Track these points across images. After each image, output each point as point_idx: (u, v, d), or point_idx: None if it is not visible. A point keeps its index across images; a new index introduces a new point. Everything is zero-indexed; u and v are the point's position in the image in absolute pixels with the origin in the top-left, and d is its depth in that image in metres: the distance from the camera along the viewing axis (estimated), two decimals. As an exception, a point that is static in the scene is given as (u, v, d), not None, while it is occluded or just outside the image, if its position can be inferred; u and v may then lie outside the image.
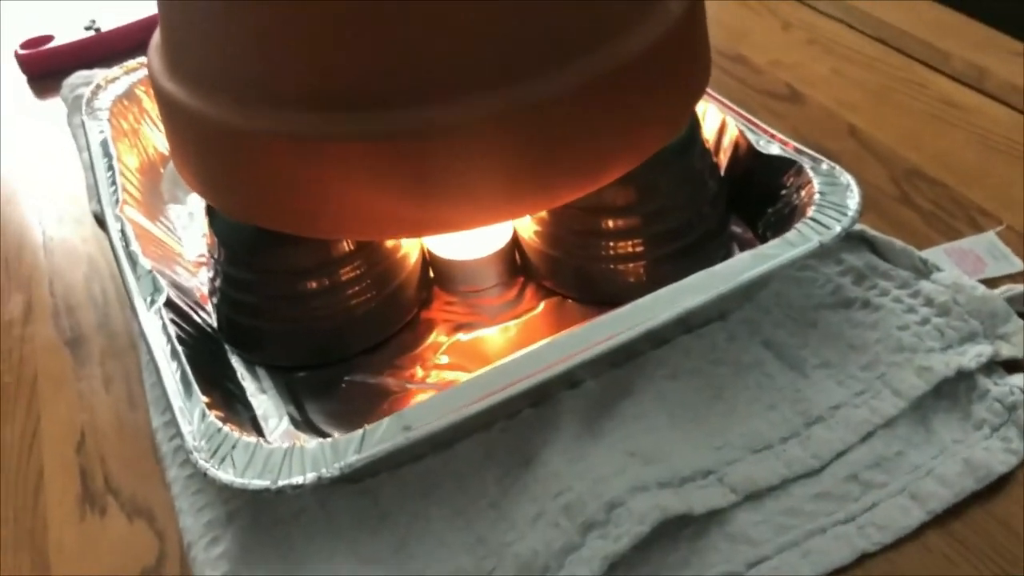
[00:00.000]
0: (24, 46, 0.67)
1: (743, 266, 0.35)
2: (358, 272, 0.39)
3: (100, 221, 0.51)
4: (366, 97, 0.32)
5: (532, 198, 0.35)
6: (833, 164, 0.39)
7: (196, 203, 0.50)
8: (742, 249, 0.42)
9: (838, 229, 0.36)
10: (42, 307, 0.46)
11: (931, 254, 0.40)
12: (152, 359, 0.36)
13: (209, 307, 0.42)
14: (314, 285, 0.38)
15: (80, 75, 0.62)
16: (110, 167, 0.47)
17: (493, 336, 0.40)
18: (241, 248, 0.39)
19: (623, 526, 0.30)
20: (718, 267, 0.35)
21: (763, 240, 0.42)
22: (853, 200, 0.37)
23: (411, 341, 0.40)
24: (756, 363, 0.36)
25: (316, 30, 0.32)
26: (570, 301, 0.41)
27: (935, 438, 0.33)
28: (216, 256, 0.40)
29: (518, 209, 0.35)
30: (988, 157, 0.46)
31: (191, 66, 0.36)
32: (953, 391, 0.34)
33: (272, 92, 0.33)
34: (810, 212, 0.37)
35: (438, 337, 0.40)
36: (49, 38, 0.67)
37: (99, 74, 0.62)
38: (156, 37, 0.40)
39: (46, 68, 0.67)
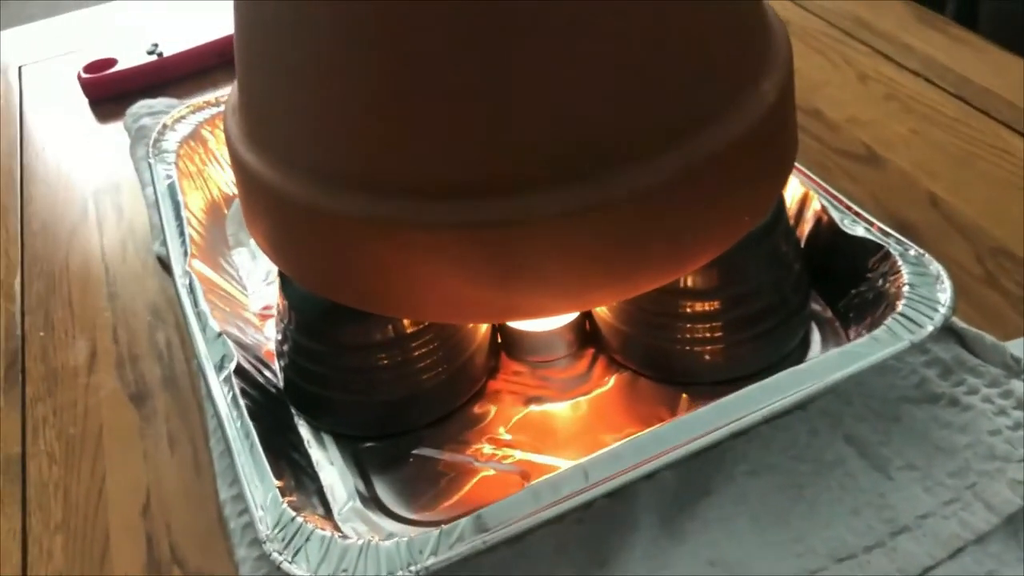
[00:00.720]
0: (87, 70, 0.67)
1: (832, 365, 0.34)
2: (430, 347, 0.38)
3: (164, 264, 0.51)
4: (459, 186, 0.31)
5: (617, 287, 0.34)
6: (922, 252, 0.38)
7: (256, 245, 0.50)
8: (820, 329, 0.41)
9: (929, 328, 0.35)
10: (106, 356, 0.46)
11: (1021, 345, 0.39)
12: (223, 433, 0.35)
13: (275, 365, 0.42)
14: (385, 361, 0.38)
15: (143, 105, 0.62)
16: (178, 216, 0.46)
17: (563, 412, 0.39)
18: (313, 319, 0.38)
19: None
20: (806, 366, 0.34)
21: (844, 320, 0.41)
22: (945, 295, 0.36)
23: (479, 413, 0.40)
24: (838, 461, 0.35)
25: (411, 118, 0.31)
26: (643, 378, 0.40)
27: (1030, 558, 0.32)
28: (286, 320, 0.40)
29: (602, 298, 0.34)
30: (1079, 238, 0.44)
31: (273, 139, 0.35)
32: (1048, 506, 0.33)
33: (360, 176, 0.33)
34: (899, 306, 0.36)
35: (507, 410, 0.40)
36: (112, 62, 0.67)
37: (161, 103, 0.63)
38: (233, 99, 0.39)
39: (109, 92, 0.67)
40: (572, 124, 0.31)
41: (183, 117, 0.53)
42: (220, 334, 0.39)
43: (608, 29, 0.30)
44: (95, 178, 0.59)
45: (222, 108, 0.54)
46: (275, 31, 0.33)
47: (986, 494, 0.33)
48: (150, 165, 0.50)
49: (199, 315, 0.40)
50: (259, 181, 0.36)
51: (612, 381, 0.40)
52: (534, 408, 0.40)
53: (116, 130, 0.63)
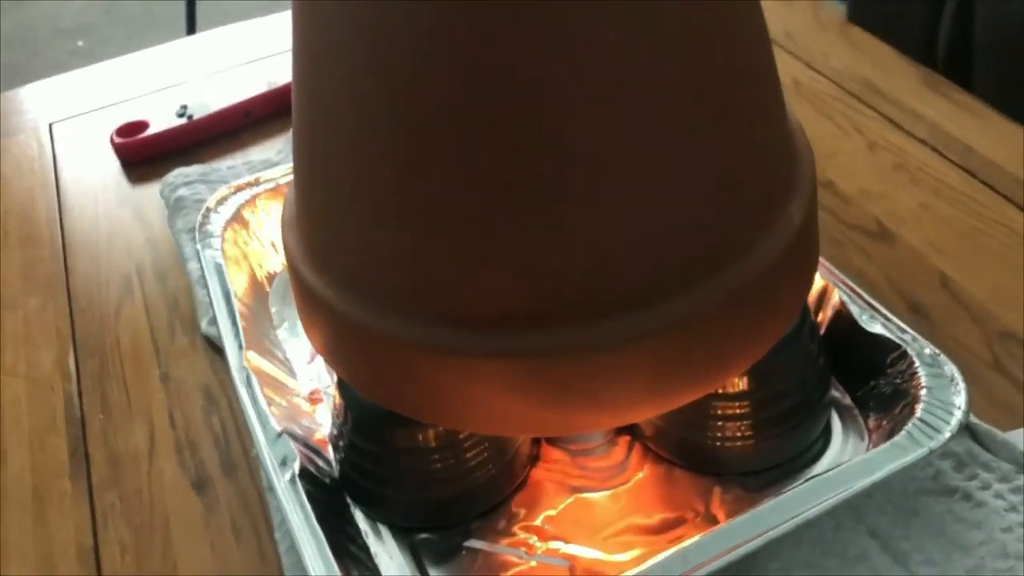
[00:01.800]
0: (120, 133, 0.69)
1: (856, 473, 0.37)
2: (479, 448, 0.41)
3: (213, 344, 0.53)
4: (511, 318, 0.34)
5: (659, 404, 0.37)
6: (937, 351, 0.41)
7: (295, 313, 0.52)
8: (840, 415, 0.44)
9: (947, 434, 0.37)
10: (165, 441, 0.48)
11: (1027, 435, 0.42)
12: (291, 534, 0.38)
13: (329, 454, 0.45)
14: (438, 463, 0.41)
15: (179, 174, 0.64)
16: (229, 305, 0.49)
17: (603, 502, 0.42)
18: (369, 422, 0.41)
19: None
20: (835, 473, 0.37)
21: (863, 407, 0.44)
22: (960, 398, 0.39)
23: (526, 503, 0.42)
24: (862, 555, 0.38)
25: (469, 257, 0.34)
26: (676, 468, 0.43)
27: (1041, 655, 0.35)
28: (341, 419, 0.42)
29: (645, 413, 0.37)
30: (1081, 323, 0.47)
31: (334, 263, 0.38)
32: (1057, 603, 0.36)
33: (417, 305, 0.35)
34: (918, 410, 0.39)
35: (551, 500, 0.42)
36: (143, 124, 0.70)
37: (196, 171, 0.65)
38: (289, 212, 0.42)
39: (141, 155, 0.69)
40: (618, 262, 0.34)
41: (225, 198, 0.55)
42: (281, 433, 0.42)
43: (655, 171, 0.33)
44: (135, 249, 0.61)
45: (261, 188, 0.56)
46: (336, 168, 0.36)
47: (1000, 593, 0.36)
48: (198, 252, 0.52)
49: (260, 414, 0.43)
50: (320, 298, 0.38)
51: (647, 470, 0.43)
52: (576, 497, 0.43)
53: (149, 195, 0.65)
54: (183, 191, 0.63)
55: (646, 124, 0.32)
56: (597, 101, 0.31)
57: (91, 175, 0.69)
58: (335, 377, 0.49)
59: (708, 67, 0.33)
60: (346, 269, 0.37)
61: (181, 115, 0.70)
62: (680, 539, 0.39)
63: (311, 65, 0.35)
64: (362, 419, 0.41)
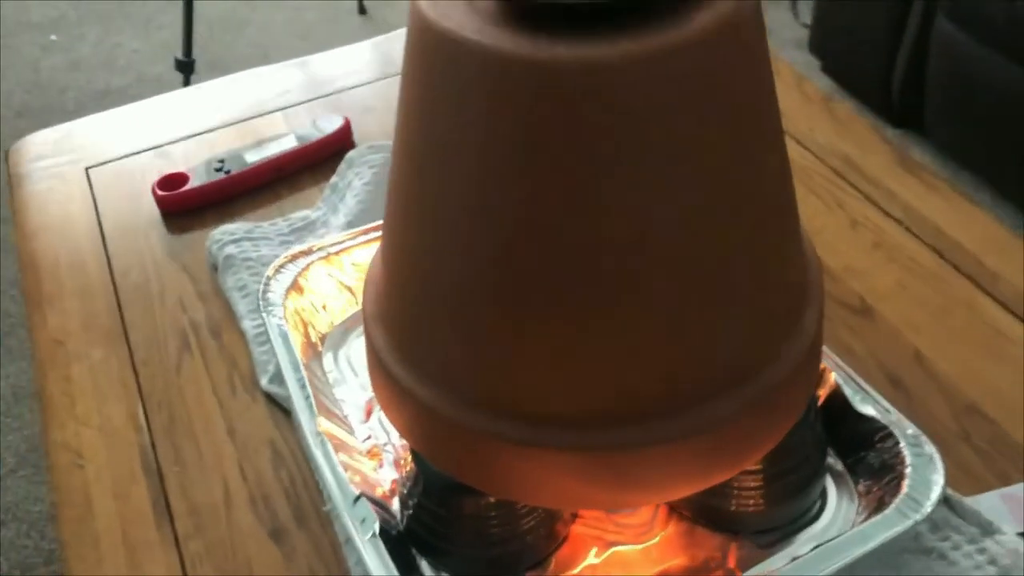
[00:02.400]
0: (161, 186, 0.74)
1: (856, 541, 0.44)
2: (534, 513, 0.48)
3: (273, 399, 0.59)
4: (581, 418, 0.41)
5: (698, 484, 0.44)
6: (919, 432, 0.48)
7: (355, 370, 0.58)
8: (835, 479, 0.52)
9: (928, 509, 0.45)
10: (239, 493, 0.54)
11: (989, 499, 0.50)
12: (378, 590, 0.45)
13: (393, 506, 0.51)
14: (496, 527, 0.47)
15: (224, 232, 0.70)
16: (298, 373, 0.55)
17: (637, 556, 0.49)
18: (440, 490, 0.47)
19: None
20: (838, 543, 0.44)
21: (853, 473, 0.52)
22: (938, 476, 0.47)
23: (570, 558, 0.49)
24: (857, 606, 0.46)
25: (551, 367, 0.40)
26: (698, 526, 0.50)
27: None
28: (411, 483, 0.49)
29: (685, 493, 0.44)
30: (1033, 399, 0.55)
31: (422, 358, 0.44)
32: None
33: (501, 404, 0.42)
34: (904, 487, 0.46)
35: (592, 554, 0.49)
36: (183, 177, 0.74)
37: (240, 229, 0.70)
38: (372, 308, 0.48)
39: (182, 207, 0.74)
40: (672, 375, 0.41)
41: (282, 267, 0.61)
42: (359, 497, 0.48)
43: (704, 305, 0.40)
44: (188, 304, 0.66)
45: (315, 257, 0.62)
46: (438, 286, 0.42)
47: (971, 642, 0.44)
48: (263, 317, 0.58)
49: (338, 479, 0.49)
50: (404, 387, 0.45)
51: (672, 527, 0.51)
52: (613, 550, 0.50)
53: (192, 247, 0.71)
54: (231, 249, 0.68)
55: (697, 273, 0.39)
56: (653, 258, 0.38)
57: (134, 225, 0.73)
58: (392, 436, 0.55)
59: (747, 224, 0.40)
60: (435, 366, 0.44)
61: (219, 170, 0.75)
62: (706, 591, 0.46)
63: (421, 201, 0.41)
64: (433, 485, 0.48)
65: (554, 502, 0.45)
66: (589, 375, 0.40)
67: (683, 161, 0.36)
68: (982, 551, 0.47)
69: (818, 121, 0.77)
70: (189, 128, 0.83)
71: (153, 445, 0.57)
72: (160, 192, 0.74)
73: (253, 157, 0.76)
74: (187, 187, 0.74)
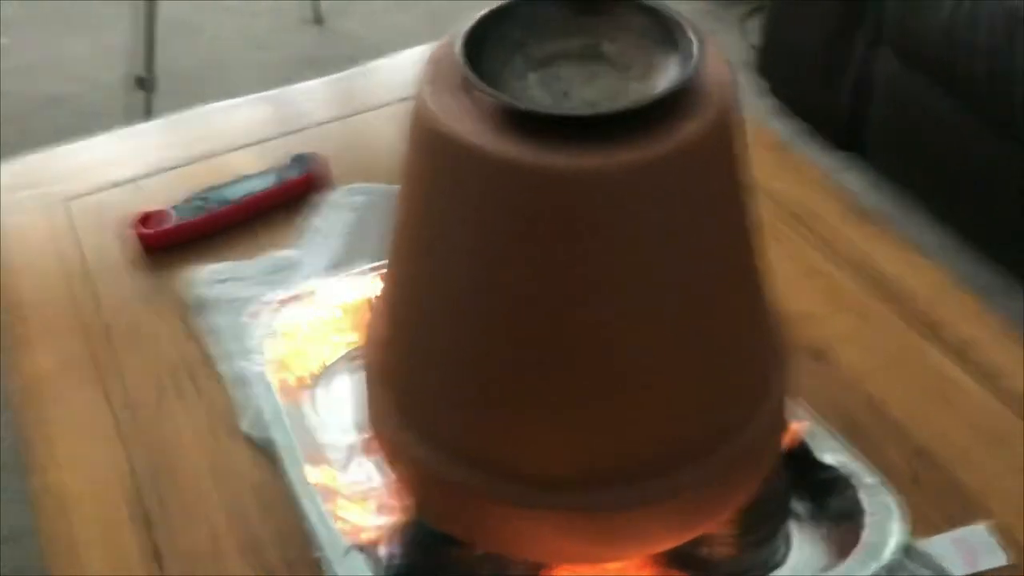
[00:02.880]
0: (143, 223, 0.75)
1: (823, 588, 0.48)
2: (523, 563, 0.50)
3: (255, 443, 0.61)
4: (572, 480, 0.44)
5: (676, 540, 0.47)
6: (879, 484, 0.52)
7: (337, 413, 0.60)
8: (799, 525, 0.55)
9: (887, 558, 0.49)
10: (228, 538, 0.56)
11: (940, 542, 0.54)
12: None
13: (378, 553, 0.53)
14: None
15: (211, 271, 0.71)
16: (283, 427, 0.56)
17: (615, 601, 0.52)
18: (431, 541, 0.50)
19: None
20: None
21: (815, 520, 0.55)
22: (895, 524, 0.51)
23: (554, 602, 0.52)
24: (822, 648, 0.49)
25: (543, 437, 0.43)
26: (673, 572, 0.53)
27: None
28: (403, 532, 0.51)
29: (667, 545, 0.47)
30: (977, 445, 0.59)
31: (424, 422, 0.46)
32: None
33: (497, 466, 0.44)
34: (864, 535, 0.50)
35: (572, 599, 0.52)
36: (164, 214, 0.75)
37: (227, 269, 0.71)
38: (377, 371, 0.49)
39: (163, 244, 0.74)
40: (652, 442, 0.44)
41: (262, 311, 0.63)
42: (349, 550, 0.50)
43: (682, 385, 0.43)
44: (168, 345, 0.67)
45: (294, 301, 0.64)
46: (438, 363, 0.44)
47: None
48: (242, 364, 0.60)
49: (328, 531, 0.51)
50: (404, 447, 0.47)
51: (647, 572, 0.53)
52: (593, 596, 0.52)
53: (173, 287, 0.71)
54: (212, 290, 0.69)
55: (680, 354, 0.42)
56: (641, 341, 0.41)
57: (115, 262, 0.74)
58: (376, 480, 0.57)
59: (726, 309, 0.43)
60: (434, 430, 0.46)
61: (200, 207, 0.76)
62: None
63: (424, 280, 0.43)
64: (424, 538, 0.50)
65: (547, 557, 0.48)
66: (584, 441, 0.43)
67: (668, 257, 0.39)
68: (935, 594, 0.51)
69: (776, 168, 0.80)
70: (165, 161, 0.84)
71: (138, 490, 0.59)
72: (143, 229, 0.74)
73: (232, 195, 0.77)
74: (168, 224, 0.75)
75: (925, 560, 0.52)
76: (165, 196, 0.79)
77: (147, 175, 0.83)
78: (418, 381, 0.46)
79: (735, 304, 0.43)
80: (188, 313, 0.69)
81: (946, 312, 0.67)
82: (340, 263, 0.70)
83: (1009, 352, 0.65)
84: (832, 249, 0.73)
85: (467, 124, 0.39)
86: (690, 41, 0.40)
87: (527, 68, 0.42)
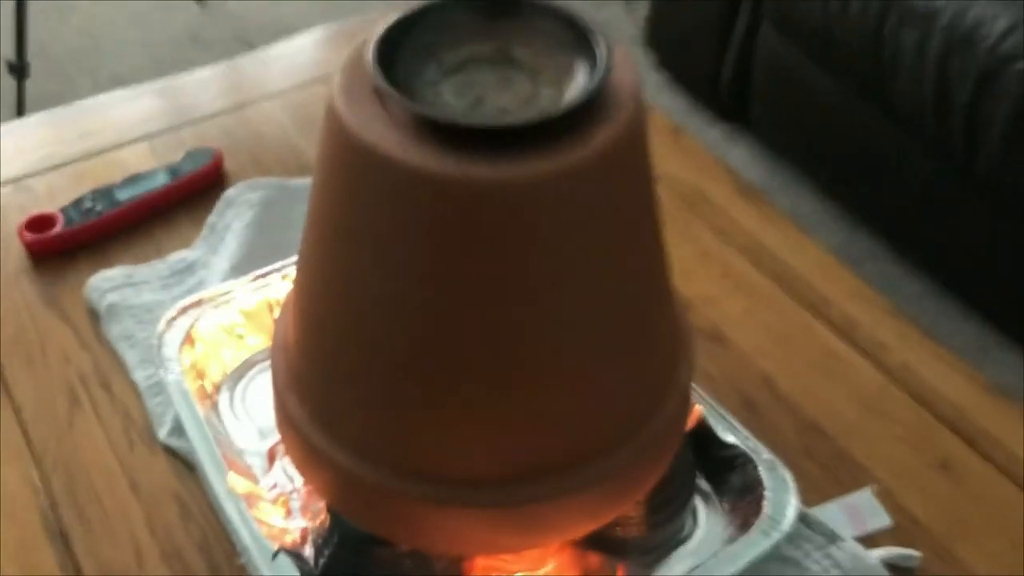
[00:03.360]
0: (29, 228, 0.72)
1: (728, 560, 0.51)
2: (446, 562, 0.52)
3: (173, 452, 0.60)
4: (489, 478, 0.45)
5: (593, 524, 0.49)
6: (775, 459, 0.56)
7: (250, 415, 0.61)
8: (704, 500, 0.58)
9: (786, 527, 0.53)
10: (151, 551, 0.56)
11: (830, 509, 0.58)
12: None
13: (305, 552, 0.54)
14: (410, 568, 0.51)
15: (103, 278, 0.70)
16: (204, 435, 0.56)
17: (538, 583, 0.55)
18: (354, 541, 0.51)
19: None
20: (716, 561, 0.51)
21: (719, 493, 0.59)
22: (791, 497, 0.54)
23: (476, 589, 0.54)
24: (729, 613, 0.53)
25: (455, 438, 0.44)
26: (591, 551, 0.56)
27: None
28: (328, 535, 0.52)
29: (582, 532, 0.50)
30: (863, 415, 0.64)
31: (339, 427, 0.47)
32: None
33: (412, 468, 0.45)
34: (764, 507, 0.54)
35: (497, 583, 0.54)
36: (52, 218, 0.73)
37: (119, 275, 0.70)
38: (288, 376, 0.50)
39: (52, 250, 0.73)
40: (563, 440, 0.46)
41: (174, 320, 0.62)
42: (276, 553, 0.51)
43: (592, 384, 0.45)
44: (71, 355, 0.66)
45: (204, 307, 0.63)
46: (352, 369, 0.45)
47: (822, 637, 0.52)
48: (161, 376, 0.59)
49: (253, 536, 0.52)
50: (320, 451, 0.48)
51: (567, 554, 0.56)
52: (518, 577, 0.55)
53: (69, 294, 0.70)
54: (112, 297, 0.68)
55: (588, 354, 0.44)
56: (551, 343, 0.43)
57: (5, 270, 0.71)
58: (297, 482, 0.58)
59: (633, 308, 0.45)
60: (351, 435, 0.47)
61: (89, 210, 0.74)
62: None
63: (336, 286, 0.44)
64: (348, 537, 0.51)
65: (467, 551, 0.50)
66: (498, 441, 0.45)
67: (581, 262, 0.41)
68: (828, 556, 0.55)
69: (669, 152, 0.83)
70: (50, 158, 0.81)
71: (54, 506, 0.58)
72: (29, 235, 0.72)
73: (124, 195, 0.75)
74: (57, 229, 0.73)
75: (818, 526, 0.56)
76: (52, 197, 0.77)
77: (32, 174, 0.80)
78: (332, 388, 0.47)
79: (645, 303, 0.46)
80: (89, 322, 0.68)
81: (830, 290, 0.72)
82: (240, 263, 0.70)
83: (890, 327, 0.69)
84: (724, 232, 0.76)
85: (382, 135, 0.39)
86: (599, 46, 0.41)
87: (440, 74, 0.42)
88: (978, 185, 1.25)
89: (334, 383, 0.47)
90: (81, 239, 0.73)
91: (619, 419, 0.47)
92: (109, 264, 0.72)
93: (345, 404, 0.47)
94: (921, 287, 1.48)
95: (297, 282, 0.48)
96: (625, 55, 0.43)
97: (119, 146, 0.83)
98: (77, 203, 0.74)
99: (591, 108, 0.40)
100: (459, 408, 0.44)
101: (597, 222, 0.41)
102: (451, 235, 0.40)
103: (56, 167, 0.80)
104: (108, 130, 0.84)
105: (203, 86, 0.91)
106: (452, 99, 0.42)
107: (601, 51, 0.41)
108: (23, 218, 0.74)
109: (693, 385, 0.59)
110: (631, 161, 0.42)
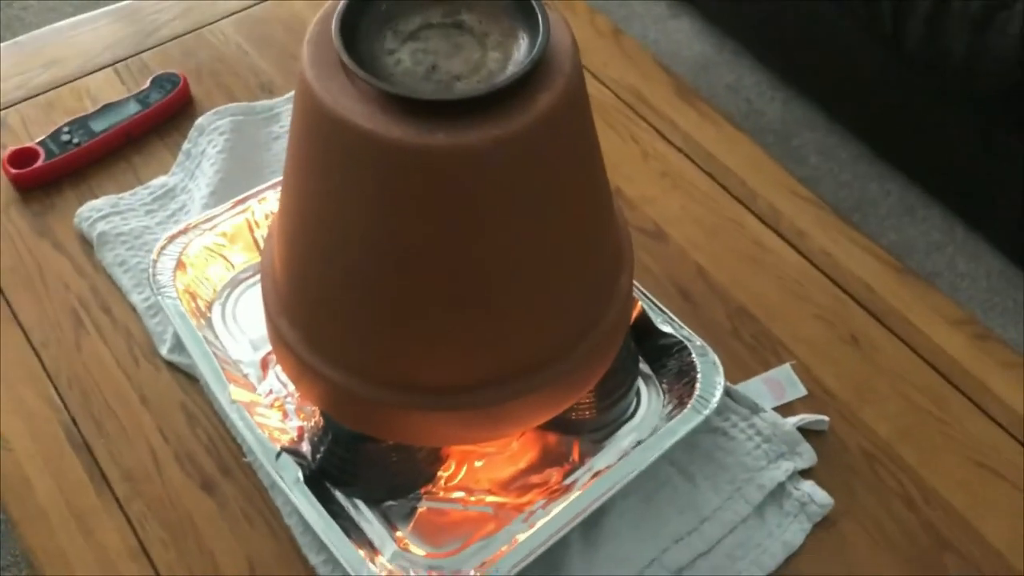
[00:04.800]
0: (12, 163, 0.77)
1: (667, 435, 0.60)
2: (425, 448, 0.60)
3: (177, 368, 0.68)
4: (459, 385, 0.53)
5: (551, 415, 0.58)
6: (705, 346, 0.64)
7: (241, 329, 0.68)
8: (645, 382, 0.67)
9: (715, 404, 0.62)
10: (165, 454, 0.63)
11: (754, 384, 0.67)
12: (310, 527, 0.57)
13: (303, 449, 0.62)
14: (396, 463, 0.60)
15: (90, 208, 0.75)
16: (205, 353, 0.63)
17: (504, 460, 0.63)
18: (346, 438, 0.59)
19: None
20: (654, 439, 0.60)
21: (658, 375, 0.67)
22: (720, 378, 0.63)
23: (454, 473, 0.63)
24: (668, 479, 0.62)
25: (428, 350, 0.52)
26: (548, 431, 0.65)
27: (766, 526, 0.61)
28: (322, 433, 0.60)
29: (541, 421, 0.58)
30: (785, 298, 0.72)
31: (327, 345, 0.54)
32: (776, 493, 0.62)
33: (392, 378, 0.53)
34: (697, 387, 0.62)
35: (467, 467, 0.63)
36: (33, 152, 0.77)
37: (106, 204, 0.75)
38: (279, 301, 0.56)
39: (35, 183, 0.77)
40: (517, 348, 0.53)
41: (165, 248, 0.68)
42: (280, 452, 0.59)
43: (545, 299, 0.52)
44: (71, 282, 0.72)
45: (192, 234, 0.69)
46: (339, 293, 0.52)
47: (746, 494, 0.62)
48: (159, 300, 0.65)
49: (258, 439, 0.60)
50: (313, 369, 0.55)
51: (527, 436, 0.65)
52: (484, 460, 0.63)
53: (59, 224, 0.75)
54: (101, 226, 0.73)
55: (542, 275, 0.51)
56: (508, 269, 0.50)
57: (-7, 204, 0.76)
58: (289, 387, 0.65)
59: (579, 234, 0.52)
60: (340, 354, 0.54)
61: (68, 142, 0.78)
62: (559, 480, 0.61)
63: (318, 230, 0.50)
64: (340, 435, 0.59)
65: (443, 443, 0.58)
66: (468, 354, 0.52)
67: (534, 205, 0.48)
68: (752, 426, 0.65)
69: (611, 56, 0.88)
70: (19, 90, 0.85)
71: (74, 421, 0.65)
72: (13, 170, 0.77)
73: (100, 125, 0.79)
74: (40, 163, 0.77)
75: (743, 400, 0.66)
76: (28, 128, 0.81)
77: (3, 107, 0.84)
78: (320, 315, 0.54)
79: (590, 232, 0.53)
80: (82, 249, 0.74)
81: (759, 183, 0.79)
82: (218, 189, 0.75)
83: (811, 216, 0.77)
84: (662, 132, 0.83)
85: (351, 108, 0.45)
86: (537, 10, 0.46)
87: (398, 42, 0.47)
88: (905, 57, 1.31)
89: (321, 311, 0.54)
90: (63, 170, 0.78)
91: (571, 328, 0.54)
92: (92, 192, 0.77)
93: (332, 329, 0.54)
94: (856, 151, 1.56)
95: (280, 224, 0.55)
96: (561, 19, 0.48)
97: (86, 74, 0.86)
98: (55, 135, 0.79)
99: (534, 74, 0.45)
100: (434, 330, 0.51)
101: (544, 172, 0.48)
102: (416, 193, 0.46)
103: (28, 98, 0.84)
104: (73, 58, 0.87)
105: (161, 8, 0.93)
106: (410, 65, 0.47)
107: (538, 14, 0.47)
108: (1, 151, 0.78)
109: (635, 282, 0.67)
110: (572, 118, 0.48)
